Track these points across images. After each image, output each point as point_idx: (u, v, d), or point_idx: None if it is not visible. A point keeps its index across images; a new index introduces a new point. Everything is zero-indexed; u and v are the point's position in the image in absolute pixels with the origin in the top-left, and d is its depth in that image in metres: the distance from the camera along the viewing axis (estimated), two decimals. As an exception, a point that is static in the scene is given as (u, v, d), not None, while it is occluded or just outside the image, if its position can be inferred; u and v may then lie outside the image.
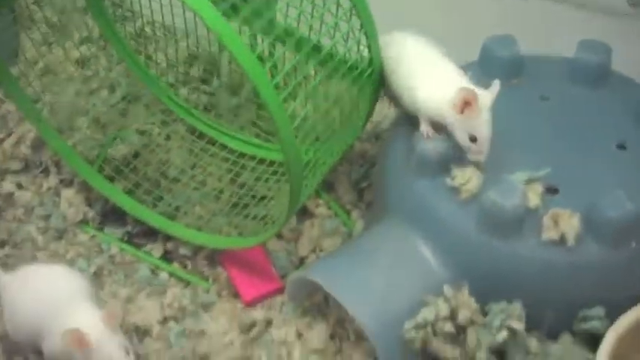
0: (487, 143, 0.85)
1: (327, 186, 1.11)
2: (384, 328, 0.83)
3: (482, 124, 0.84)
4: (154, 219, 1.05)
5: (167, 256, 1.04)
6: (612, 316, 0.83)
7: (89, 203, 1.09)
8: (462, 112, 0.84)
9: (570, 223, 0.82)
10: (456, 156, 0.88)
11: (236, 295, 0.99)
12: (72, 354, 0.81)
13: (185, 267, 1.03)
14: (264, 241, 0.95)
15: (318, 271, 0.88)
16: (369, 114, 0.99)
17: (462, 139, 0.86)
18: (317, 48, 0.90)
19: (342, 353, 0.91)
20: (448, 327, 0.83)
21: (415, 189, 0.90)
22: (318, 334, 0.92)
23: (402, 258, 0.88)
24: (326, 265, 0.91)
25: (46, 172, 1.13)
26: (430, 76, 0.89)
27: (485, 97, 0.84)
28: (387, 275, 0.87)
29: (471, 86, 0.85)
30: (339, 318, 0.94)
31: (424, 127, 0.89)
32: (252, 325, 0.94)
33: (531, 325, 0.84)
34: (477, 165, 0.86)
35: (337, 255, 0.93)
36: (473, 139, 0.85)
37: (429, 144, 0.88)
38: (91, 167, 1.08)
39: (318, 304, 0.95)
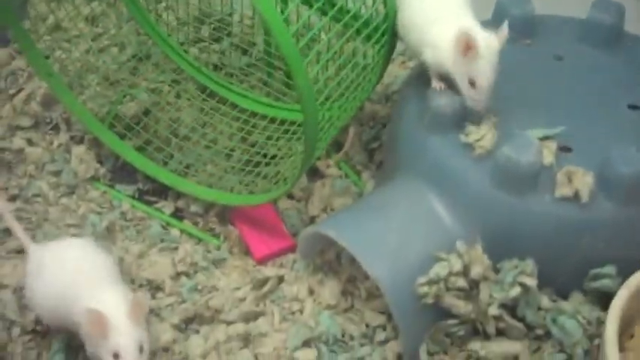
0: (487, 89, 0.84)
1: (338, 147, 1.11)
2: (397, 282, 0.83)
3: (481, 68, 0.83)
4: (164, 176, 1.05)
5: (178, 214, 1.05)
6: (624, 275, 0.84)
7: (100, 160, 1.09)
8: (464, 54, 0.83)
9: (584, 181, 0.82)
10: (470, 113, 0.88)
11: (247, 253, 0.99)
12: (87, 332, 0.79)
13: (196, 224, 1.03)
14: (275, 197, 0.95)
15: (332, 226, 0.88)
16: (382, 72, 0.99)
17: (462, 84, 0.85)
18: (331, 2, 0.90)
19: (354, 310, 0.92)
20: (461, 282, 0.83)
21: (428, 146, 0.90)
22: (330, 290, 0.93)
23: (415, 214, 0.88)
24: (339, 220, 0.91)
25: (56, 129, 1.13)
26: (435, 21, 0.87)
27: (490, 39, 0.83)
28: (400, 231, 0.87)
29: (474, 28, 0.84)
30: (350, 276, 0.94)
31: (435, 83, 0.89)
32: (264, 281, 0.94)
33: (543, 283, 0.85)
34: (475, 114, 0.86)
35: (350, 210, 0.93)
36: (472, 83, 0.84)
37: (443, 100, 0.88)
38: (101, 124, 1.08)
39: (329, 262, 0.95)
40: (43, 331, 0.89)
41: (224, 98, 1.16)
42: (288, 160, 1.05)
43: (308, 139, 0.84)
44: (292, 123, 1.11)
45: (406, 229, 0.87)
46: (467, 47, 0.82)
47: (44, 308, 0.84)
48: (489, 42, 0.83)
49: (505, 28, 0.84)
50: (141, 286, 0.94)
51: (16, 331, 0.89)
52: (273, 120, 1.12)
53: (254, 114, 1.14)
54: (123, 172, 1.09)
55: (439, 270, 0.83)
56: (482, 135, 0.86)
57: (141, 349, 0.78)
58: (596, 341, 0.83)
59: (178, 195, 1.05)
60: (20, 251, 0.95)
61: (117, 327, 0.77)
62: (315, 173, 1.08)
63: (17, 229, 0.90)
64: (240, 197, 1.01)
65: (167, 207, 1.05)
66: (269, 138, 1.09)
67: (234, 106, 1.15)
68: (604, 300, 0.84)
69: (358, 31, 0.90)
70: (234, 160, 1.08)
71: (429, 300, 0.83)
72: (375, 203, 0.92)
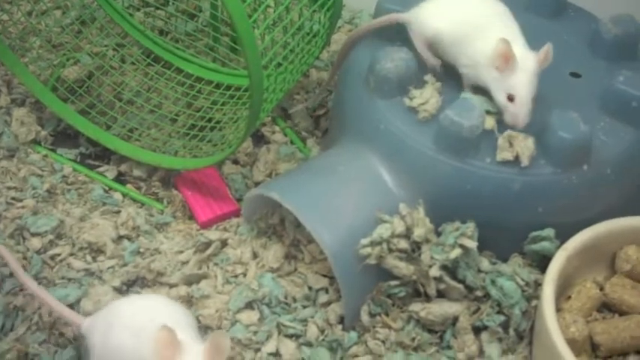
0: (526, 103, 0.84)
1: (284, 113, 1.11)
2: (340, 244, 0.83)
3: (519, 81, 0.83)
4: (107, 139, 1.04)
5: (121, 178, 1.03)
6: (562, 238, 0.85)
7: (41, 124, 1.07)
8: (502, 67, 0.83)
9: (525, 145, 0.84)
10: (415, 77, 0.89)
11: (191, 217, 0.99)
12: None
13: (139, 189, 1.02)
14: (220, 160, 0.95)
15: (275, 188, 0.88)
16: (329, 37, 0.99)
17: (501, 99, 0.85)
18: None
19: (297, 273, 0.92)
20: (403, 244, 0.84)
21: (373, 110, 0.90)
22: (273, 253, 0.92)
23: (360, 177, 0.88)
24: (283, 183, 0.91)
25: (-4, 92, 1.11)
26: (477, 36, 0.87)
27: (528, 55, 0.84)
28: (344, 193, 0.87)
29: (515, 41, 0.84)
30: (294, 239, 0.94)
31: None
32: (208, 244, 0.94)
33: (483, 246, 0.86)
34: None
35: (294, 173, 0.93)
36: (510, 98, 0.84)
37: (388, 64, 0.88)
38: (44, 86, 1.06)
39: (273, 226, 0.95)
40: None
41: (169, 63, 1.14)
42: (233, 125, 1.05)
43: (254, 98, 0.83)
44: (237, 88, 1.10)
45: (350, 192, 0.88)
46: (505, 59, 0.82)
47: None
48: (527, 57, 0.83)
49: (548, 50, 0.84)
50: (81, 249, 0.93)
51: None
52: (218, 85, 1.11)
53: (199, 79, 1.13)
54: (65, 136, 1.07)
55: (382, 231, 0.84)
56: (426, 99, 0.87)
57: None
58: (534, 302, 0.84)
59: (121, 159, 1.04)
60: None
61: None
62: (260, 139, 1.08)
63: (60, 306, 0.82)
64: (184, 161, 1.00)
65: (110, 171, 1.04)
66: (214, 103, 1.09)
67: (179, 70, 1.14)
68: (543, 263, 0.85)
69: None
70: (179, 125, 1.07)
71: (372, 261, 0.83)
72: (319, 166, 0.93)
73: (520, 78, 0.83)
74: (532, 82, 0.84)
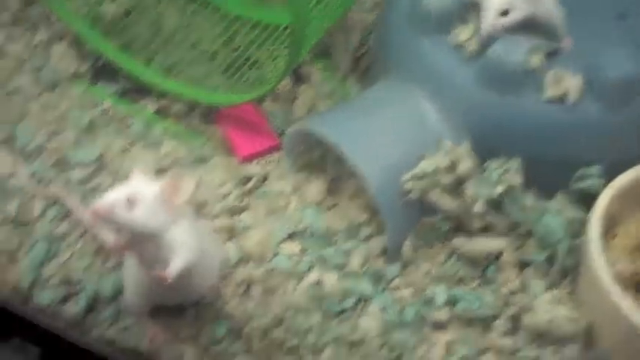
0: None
1: (324, 53, 1.10)
2: (383, 178, 0.83)
3: None
4: (148, 74, 1.03)
5: (161, 113, 1.03)
6: (609, 177, 0.85)
7: (81, 58, 1.07)
8: None
9: (572, 82, 0.83)
10: (459, 13, 0.88)
11: (232, 152, 0.99)
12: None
13: (179, 124, 1.02)
14: (259, 96, 0.94)
15: (318, 123, 0.88)
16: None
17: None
18: None
19: (339, 208, 0.92)
20: (447, 179, 0.83)
21: (418, 46, 0.89)
22: (315, 187, 0.92)
23: (404, 114, 0.88)
24: (326, 118, 0.91)
25: (35, 27, 1.10)
26: None
27: None
28: (388, 130, 0.87)
29: None
30: (335, 175, 0.94)
31: None
32: (249, 178, 0.94)
33: (529, 183, 0.85)
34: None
35: (337, 109, 0.93)
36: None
37: (433, 1, 0.87)
38: (83, 22, 1.06)
39: (314, 161, 0.95)
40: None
41: (207, 1, 1.14)
42: (272, 64, 1.04)
43: (295, 34, 0.83)
44: (277, 28, 1.09)
45: (394, 128, 0.87)
46: None
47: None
48: None
49: None
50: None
51: (-5, 219, 0.88)
52: (256, 24, 1.11)
53: (238, 17, 1.12)
54: (104, 72, 1.07)
55: (425, 166, 0.84)
56: (471, 34, 0.86)
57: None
58: (579, 240, 0.84)
59: (161, 95, 1.04)
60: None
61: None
62: (299, 78, 1.07)
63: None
64: (224, 97, 1.00)
65: (150, 106, 1.03)
66: (252, 42, 1.08)
67: (216, 9, 1.13)
68: (589, 201, 0.85)
69: None
70: (218, 63, 1.06)
71: (415, 195, 0.83)
72: (362, 104, 0.92)
73: None
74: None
